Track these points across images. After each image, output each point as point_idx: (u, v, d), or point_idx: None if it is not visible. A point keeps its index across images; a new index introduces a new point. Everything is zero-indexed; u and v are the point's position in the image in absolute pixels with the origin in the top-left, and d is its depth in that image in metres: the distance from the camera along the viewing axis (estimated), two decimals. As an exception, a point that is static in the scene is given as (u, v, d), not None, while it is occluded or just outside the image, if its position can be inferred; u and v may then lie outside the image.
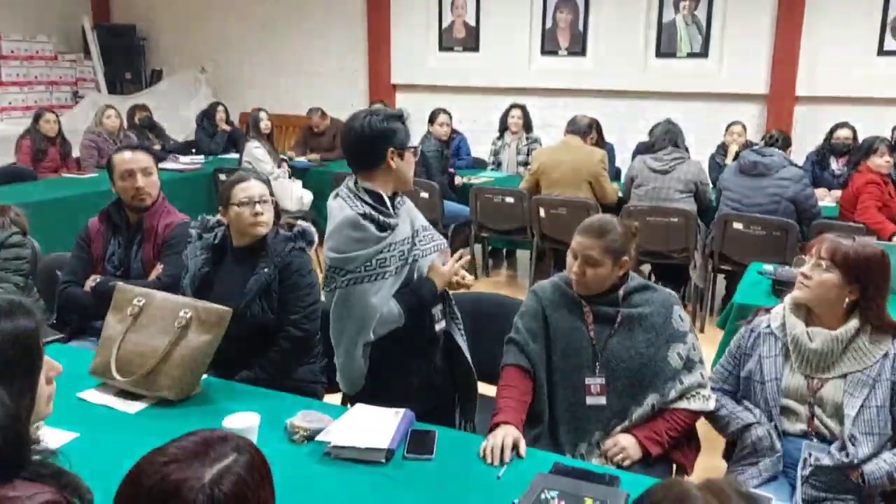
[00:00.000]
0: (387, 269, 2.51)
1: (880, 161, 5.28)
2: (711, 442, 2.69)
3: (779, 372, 2.44)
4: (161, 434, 2.22)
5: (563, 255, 6.71)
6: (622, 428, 2.45)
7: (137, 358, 2.47)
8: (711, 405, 2.48)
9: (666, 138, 5.74)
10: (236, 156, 7.89)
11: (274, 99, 10.35)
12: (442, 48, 9.50)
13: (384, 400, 2.40)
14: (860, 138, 6.41)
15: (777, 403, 2.42)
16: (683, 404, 2.45)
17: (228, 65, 10.83)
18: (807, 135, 7.38)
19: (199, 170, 7.57)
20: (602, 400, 2.48)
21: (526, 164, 7.24)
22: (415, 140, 2.75)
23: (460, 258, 2.71)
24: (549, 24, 8.86)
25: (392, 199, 2.63)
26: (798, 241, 5.16)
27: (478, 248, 6.74)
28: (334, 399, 3.09)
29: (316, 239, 3.10)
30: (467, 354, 2.80)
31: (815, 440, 2.39)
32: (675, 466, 2.51)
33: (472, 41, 9.33)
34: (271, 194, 3.07)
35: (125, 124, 7.99)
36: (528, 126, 7.50)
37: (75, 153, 7.68)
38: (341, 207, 2.55)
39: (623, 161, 7.54)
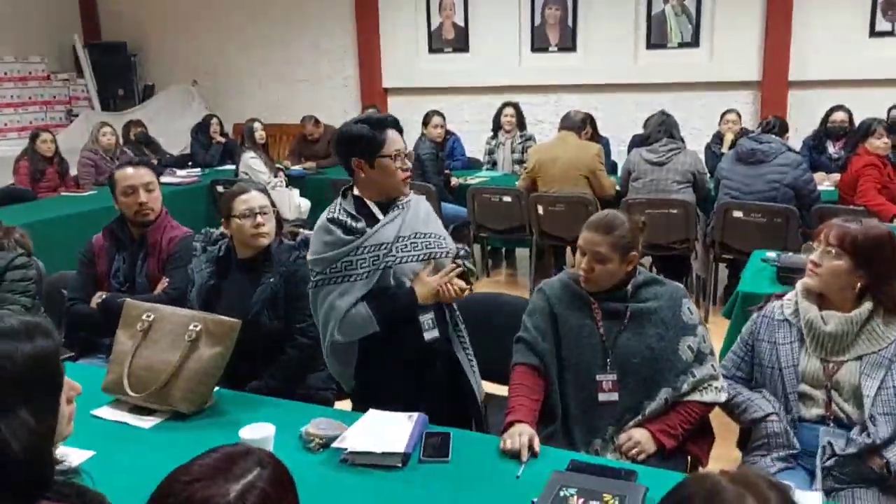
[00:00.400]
0: (353, 272, 2.54)
1: (878, 143, 5.29)
2: (725, 431, 2.69)
3: (795, 358, 2.44)
4: (178, 448, 2.25)
5: (562, 252, 6.80)
6: (635, 422, 2.45)
7: (149, 373, 2.48)
8: (723, 397, 2.47)
9: (661, 130, 5.74)
10: (232, 167, 7.90)
11: (267, 109, 10.36)
12: (432, 50, 9.52)
13: (380, 404, 2.44)
14: (856, 121, 6.44)
15: (795, 390, 2.42)
16: (696, 397, 2.45)
17: (220, 77, 10.84)
18: (801, 120, 7.38)
19: (196, 182, 7.58)
20: (614, 396, 2.48)
21: (521, 162, 7.25)
22: (409, 143, 2.74)
23: (453, 269, 2.63)
24: (538, 20, 8.87)
25: (386, 204, 2.64)
26: (799, 227, 5.17)
27: (476, 248, 6.74)
28: (344, 405, 3.10)
29: (320, 247, 3.10)
30: (469, 371, 2.73)
31: (832, 425, 2.38)
32: (689, 458, 2.52)
33: (461, 42, 9.34)
34: (272, 204, 3.08)
35: (121, 141, 8.00)
36: (521, 124, 7.51)
37: (73, 172, 7.69)
38: (325, 211, 2.65)
39: (618, 154, 7.55)
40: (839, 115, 6.58)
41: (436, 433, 2.28)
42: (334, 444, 2.19)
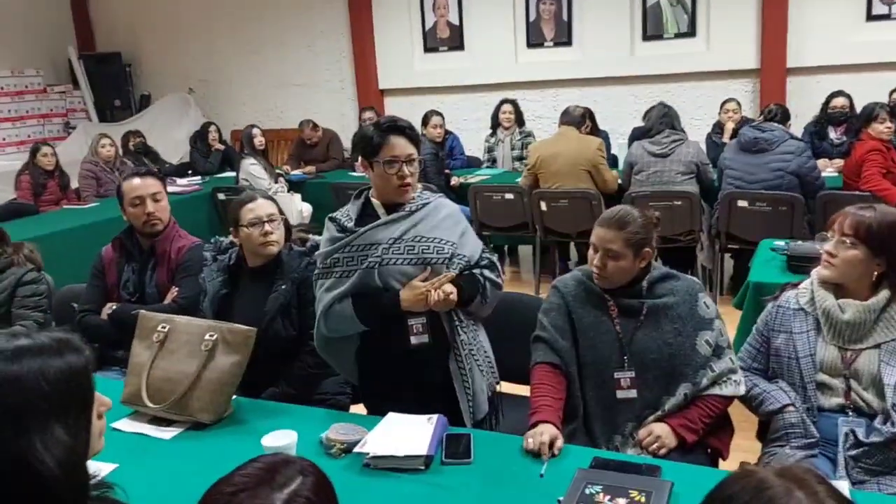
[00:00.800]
0: (339, 268, 2.59)
1: (881, 127, 5.28)
2: (744, 423, 2.69)
3: (812, 347, 2.43)
4: (200, 457, 2.26)
5: (567, 248, 6.80)
6: (655, 417, 2.45)
7: (168, 384, 2.48)
8: (742, 390, 2.47)
9: (663, 122, 5.74)
10: (232, 174, 7.90)
11: (264, 114, 10.37)
12: (427, 49, 9.50)
13: (381, 401, 2.55)
14: (856, 106, 6.43)
15: (813, 379, 2.41)
16: (715, 390, 2.44)
17: (216, 84, 10.83)
18: (801, 106, 7.36)
19: (197, 191, 7.58)
20: (632, 393, 2.47)
21: (521, 158, 7.25)
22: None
23: (443, 277, 2.56)
24: (532, 16, 8.85)
25: (392, 206, 2.64)
26: (804, 215, 5.17)
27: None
28: (360, 409, 3.10)
29: (329, 251, 3.10)
30: (459, 386, 2.64)
31: (852, 414, 2.37)
32: (709, 451, 2.51)
33: (456, 40, 9.32)
34: (280, 212, 3.08)
35: (120, 151, 8.00)
36: (520, 120, 7.50)
37: (73, 184, 7.69)
38: None
39: (619, 147, 7.53)
40: (839, 101, 6.57)
41: (456, 434, 2.28)
42: (356, 449, 2.18)
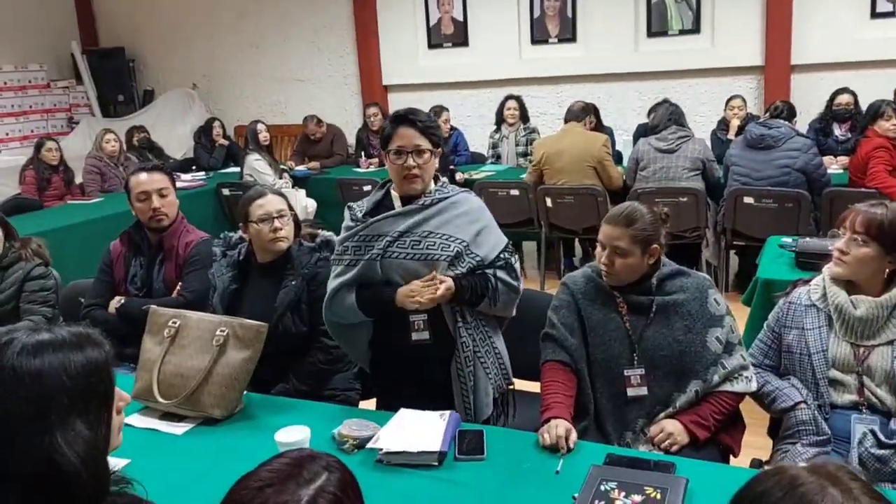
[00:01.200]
0: (346, 256, 2.62)
1: (887, 125, 5.26)
2: (756, 419, 2.69)
3: (824, 343, 2.43)
4: (212, 452, 2.26)
5: (571, 245, 6.79)
6: (666, 414, 2.44)
7: (179, 379, 2.48)
8: (754, 386, 2.46)
9: (670, 118, 5.73)
10: (237, 170, 7.90)
11: (267, 110, 10.36)
12: (431, 45, 9.47)
13: (388, 394, 2.66)
14: (861, 103, 6.43)
15: (825, 376, 2.41)
16: (727, 387, 2.44)
17: (219, 79, 10.81)
18: (805, 103, 7.35)
19: (202, 186, 7.58)
20: (643, 391, 2.47)
21: (525, 154, 7.25)
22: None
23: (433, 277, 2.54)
24: (537, 12, 8.83)
25: (407, 199, 2.63)
26: (810, 211, 5.17)
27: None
28: (369, 405, 3.10)
29: (339, 247, 3.09)
30: (456, 390, 2.61)
31: (865, 411, 2.37)
32: (721, 448, 2.51)
33: (461, 36, 9.30)
34: (290, 207, 3.07)
35: (124, 147, 7.99)
36: (524, 117, 7.49)
37: (78, 179, 7.69)
38: None
39: (623, 144, 7.54)
40: (844, 98, 6.57)
41: (469, 430, 2.28)
42: (369, 445, 2.19)
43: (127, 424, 2.44)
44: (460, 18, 9.24)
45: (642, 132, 6.68)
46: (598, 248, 2.54)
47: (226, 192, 7.37)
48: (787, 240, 3.99)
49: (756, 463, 2.56)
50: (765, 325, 2.64)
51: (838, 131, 6.59)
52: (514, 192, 6.24)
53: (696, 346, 2.44)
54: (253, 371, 2.53)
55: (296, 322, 2.91)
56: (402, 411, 2.38)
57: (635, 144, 6.19)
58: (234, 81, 10.72)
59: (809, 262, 3.48)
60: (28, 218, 6.23)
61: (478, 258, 2.57)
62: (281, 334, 2.83)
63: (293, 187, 7.28)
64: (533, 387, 2.79)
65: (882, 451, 2.26)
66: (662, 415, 2.45)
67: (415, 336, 2.59)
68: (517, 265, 2.68)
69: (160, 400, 2.48)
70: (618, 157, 7.05)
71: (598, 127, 6.95)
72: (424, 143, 2.57)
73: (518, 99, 7.46)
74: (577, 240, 6.77)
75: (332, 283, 2.64)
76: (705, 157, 5.67)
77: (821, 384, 2.41)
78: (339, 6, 9.78)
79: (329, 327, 2.76)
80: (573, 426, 2.26)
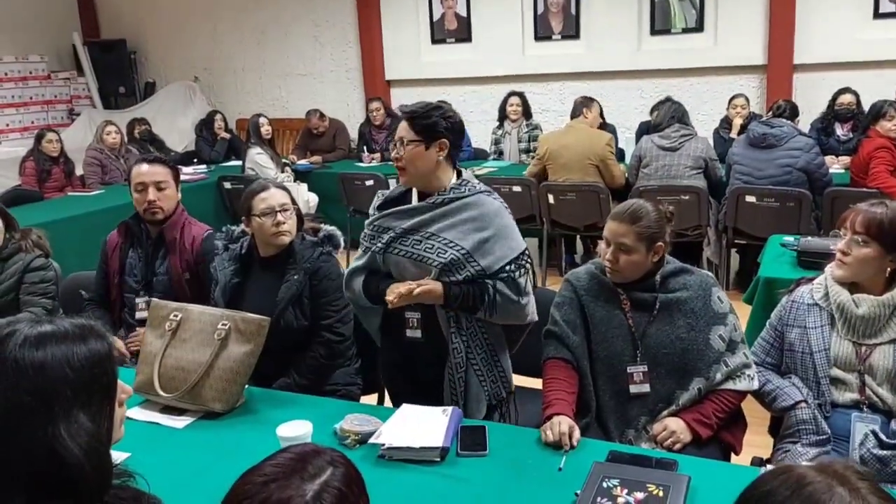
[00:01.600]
0: (363, 241, 2.68)
1: (889, 125, 5.25)
2: (757, 418, 2.68)
3: (826, 342, 2.42)
4: (214, 447, 2.25)
5: (573, 241, 6.79)
6: (669, 412, 2.44)
7: (180, 373, 2.47)
8: (756, 385, 2.46)
9: (673, 117, 5.72)
10: (238, 163, 7.89)
11: (269, 103, 10.35)
12: (434, 41, 9.46)
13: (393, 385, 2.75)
14: (863, 103, 6.42)
15: (826, 374, 2.40)
16: (729, 385, 2.44)
17: (221, 72, 10.80)
18: (807, 103, 7.34)
19: (204, 180, 7.57)
20: (645, 388, 2.47)
21: (527, 151, 7.25)
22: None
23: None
24: (540, 9, 8.81)
25: (423, 193, 2.62)
26: (812, 211, 5.17)
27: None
28: (370, 400, 3.10)
29: (342, 242, 3.09)
30: (447, 395, 2.60)
31: (866, 410, 2.37)
32: (722, 446, 2.51)
33: (464, 32, 9.28)
34: (293, 201, 3.06)
35: (125, 139, 7.98)
36: (527, 113, 7.48)
37: (78, 171, 7.68)
38: None
39: (625, 142, 7.53)
40: (846, 98, 6.56)
41: (471, 427, 2.27)
42: (371, 440, 2.18)
43: (128, 418, 2.41)
44: (464, 14, 9.23)
45: (645, 130, 6.68)
46: (603, 245, 2.54)
47: (227, 185, 7.36)
48: (789, 239, 3.99)
49: (757, 461, 2.55)
50: (767, 323, 2.64)
51: (840, 131, 6.58)
52: (517, 188, 6.23)
53: (698, 343, 2.44)
54: (254, 365, 2.52)
55: (297, 316, 2.90)
56: (405, 407, 2.38)
57: (638, 142, 6.17)
58: (236, 74, 10.71)
59: (811, 261, 3.48)
60: (28, 209, 6.22)
61: (478, 268, 2.50)
62: (283, 329, 2.83)
63: (295, 181, 7.26)
64: (535, 383, 2.79)
65: (884, 452, 2.26)
66: (665, 412, 2.45)
67: (408, 333, 2.63)
68: (525, 280, 2.57)
69: (161, 393, 2.47)
70: (620, 155, 7.04)
71: (602, 125, 6.93)
72: (408, 135, 2.53)
73: (521, 95, 7.46)
74: (578, 237, 6.77)
75: (352, 264, 2.73)
76: (708, 156, 5.67)
77: (822, 383, 2.41)
78: (341, 1, 9.76)
79: (353, 305, 2.82)
80: (576, 423, 2.26)
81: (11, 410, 1.19)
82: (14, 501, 1.18)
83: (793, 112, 5.84)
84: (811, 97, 7.50)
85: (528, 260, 2.59)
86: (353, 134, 8.61)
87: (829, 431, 2.37)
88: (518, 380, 3.02)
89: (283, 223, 2.94)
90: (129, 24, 11.11)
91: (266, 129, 7.49)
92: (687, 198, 5.48)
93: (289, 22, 10.16)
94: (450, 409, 2.31)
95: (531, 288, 2.62)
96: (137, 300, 3.34)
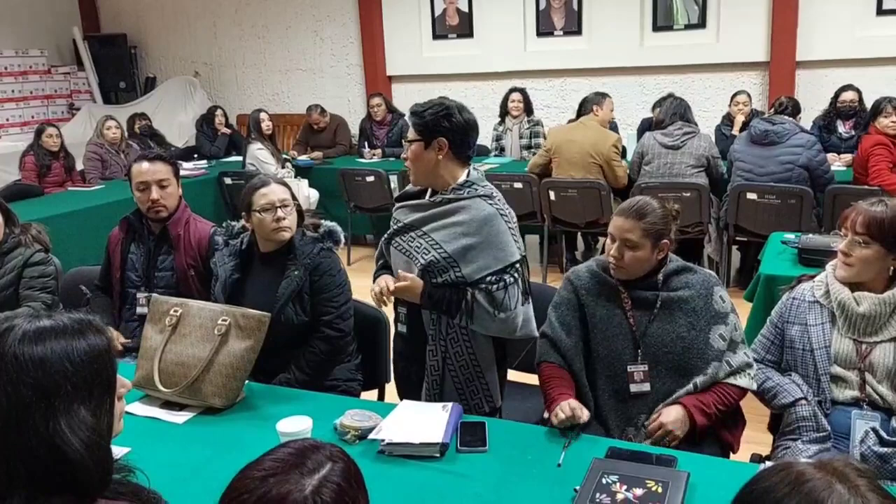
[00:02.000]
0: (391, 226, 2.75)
1: (886, 122, 5.25)
2: (756, 415, 2.68)
3: (827, 339, 2.42)
4: (214, 442, 2.25)
5: (574, 238, 6.78)
6: (666, 403, 2.43)
7: (180, 368, 2.47)
8: (754, 386, 2.47)
9: (676, 114, 5.72)
10: (239, 158, 7.88)
11: (269, 99, 10.34)
12: (436, 36, 9.44)
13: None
14: (865, 100, 6.41)
15: (827, 371, 2.40)
16: (732, 380, 2.43)
17: (222, 67, 10.79)
18: (810, 100, 7.34)
19: (204, 175, 7.56)
20: (646, 387, 2.46)
21: (529, 147, 7.26)
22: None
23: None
24: (542, 5, 8.80)
25: (432, 191, 2.65)
26: (813, 208, 5.16)
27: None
28: (370, 395, 3.10)
29: (342, 238, 3.09)
30: (423, 395, 2.64)
31: (866, 408, 2.37)
32: (721, 443, 2.50)
33: (465, 27, 9.27)
34: (293, 197, 3.05)
35: (126, 134, 7.97)
36: (528, 109, 7.48)
37: (78, 166, 7.67)
38: None
39: (627, 139, 7.51)
40: (849, 95, 6.55)
41: (471, 422, 2.27)
42: (371, 436, 2.18)
43: (127, 413, 2.44)
44: (465, 9, 9.21)
45: (647, 126, 6.67)
46: (608, 241, 2.53)
47: (227, 180, 7.36)
48: (790, 236, 3.99)
49: (756, 458, 2.56)
50: (767, 320, 2.63)
51: (842, 128, 6.58)
52: (518, 184, 6.23)
53: (699, 342, 2.44)
54: (255, 361, 2.52)
55: (298, 312, 2.90)
56: (404, 402, 2.39)
57: (640, 139, 6.16)
58: (237, 70, 10.70)
59: (812, 259, 3.47)
60: (28, 204, 6.22)
61: (460, 274, 2.50)
62: (283, 324, 2.82)
63: (295, 177, 7.26)
64: (532, 379, 2.79)
65: (884, 450, 2.26)
66: (663, 404, 2.43)
67: (398, 327, 2.73)
68: (504, 294, 2.50)
69: (161, 389, 2.47)
70: (622, 152, 7.03)
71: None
72: (411, 134, 2.60)
73: (522, 91, 7.45)
74: (579, 233, 6.77)
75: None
76: (710, 154, 5.66)
77: (822, 380, 2.41)
78: (343, -4, 9.76)
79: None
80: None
81: (12, 405, 1.19)
82: (15, 496, 1.18)
83: (795, 109, 5.84)
84: (813, 94, 7.50)
85: (517, 274, 2.53)
86: (354, 130, 8.60)
87: (829, 428, 2.37)
88: (516, 376, 3.02)
89: (284, 219, 2.93)
90: (130, 18, 11.10)
91: (266, 125, 7.48)
92: (688, 195, 5.47)
93: (290, 17, 10.14)
94: (450, 404, 2.31)
95: (519, 303, 2.53)
96: (138, 295, 3.34)
